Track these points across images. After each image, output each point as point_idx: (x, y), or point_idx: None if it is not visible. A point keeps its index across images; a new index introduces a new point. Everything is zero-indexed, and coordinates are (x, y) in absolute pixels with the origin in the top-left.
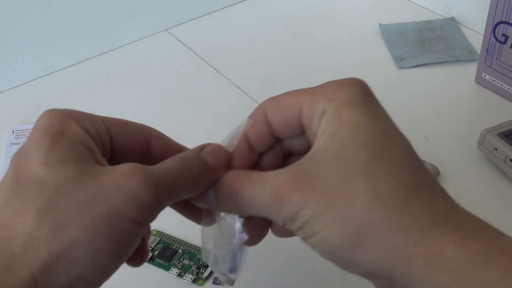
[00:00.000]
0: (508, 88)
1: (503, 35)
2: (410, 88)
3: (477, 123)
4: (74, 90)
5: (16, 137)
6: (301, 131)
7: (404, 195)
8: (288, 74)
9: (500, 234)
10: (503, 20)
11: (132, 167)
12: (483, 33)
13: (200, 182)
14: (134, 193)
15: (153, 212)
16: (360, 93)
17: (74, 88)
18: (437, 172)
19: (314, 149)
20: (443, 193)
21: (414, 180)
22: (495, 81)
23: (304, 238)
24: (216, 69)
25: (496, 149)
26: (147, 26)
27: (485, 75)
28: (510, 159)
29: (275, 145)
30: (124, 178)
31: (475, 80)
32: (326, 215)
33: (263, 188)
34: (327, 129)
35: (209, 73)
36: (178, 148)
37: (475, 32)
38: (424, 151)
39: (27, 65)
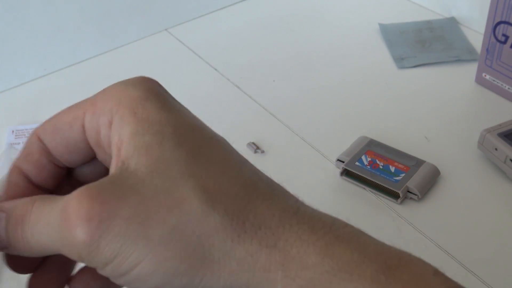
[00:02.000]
0: (508, 88)
1: (503, 35)
2: (410, 88)
3: (477, 123)
4: (74, 90)
5: (16, 137)
6: (89, 152)
7: (242, 193)
8: (288, 74)
9: (361, 233)
10: (503, 20)
11: None
12: (483, 33)
13: None
14: None
15: None
16: (152, 89)
17: (74, 88)
18: (437, 172)
19: (114, 162)
20: (282, 189)
21: (247, 176)
22: (495, 81)
23: (120, 276)
24: (216, 69)
25: (496, 149)
26: (147, 26)
27: (485, 75)
28: (510, 159)
29: (67, 177)
30: None
31: (475, 80)
32: (149, 232)
33: (52, 207)
34: (124, 133)
35: (209, 73)
36: None
37: (475, 32)
38: (424, 151)
39: (27, 65)
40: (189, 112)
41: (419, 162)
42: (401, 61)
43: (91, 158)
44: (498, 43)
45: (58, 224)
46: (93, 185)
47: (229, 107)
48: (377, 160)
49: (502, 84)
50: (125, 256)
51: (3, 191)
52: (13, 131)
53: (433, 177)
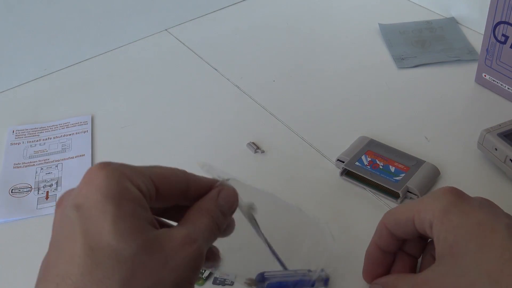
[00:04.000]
0: (508, 88)
1: (503, 35)
2: (410, 88)
3: (477, 123)
4: (74, 90)
5: (16, 137)
6: (415, 234)
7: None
8: (288, 74)
9: None
10: (503, 20)
11: (186, 237)
12: (483, 33)
13: (222, 227)
14: (194, 261)
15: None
16: (452, 201)
17: (74, 88)
18: (437, 172)
19: (436, 252)
20: None
21: None
22: (495, 81)
23: None
24: (216, 69)
25: (496, 149)
26: (147, 26)
27: (485, 75)
28: (510, 159)
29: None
30: (184, 247)
31: (475, 80)
32: None
33: (409, 281)
34: (439, 237)
35: (209, 73)
36: (208, 184)
37: (475, 32)
38: (424, 151)
39: (27, 65)
40: (477, 209)
41: (419, 162)
42: (401, 61)
43: (414, 237)
44: (498, 43)
45: None
46: (419, 275)
47: (229, 107)
48: (377, 160)
49: (502, 84)
50: None
51: None
52: (13, 131)
53: (433, 177)
